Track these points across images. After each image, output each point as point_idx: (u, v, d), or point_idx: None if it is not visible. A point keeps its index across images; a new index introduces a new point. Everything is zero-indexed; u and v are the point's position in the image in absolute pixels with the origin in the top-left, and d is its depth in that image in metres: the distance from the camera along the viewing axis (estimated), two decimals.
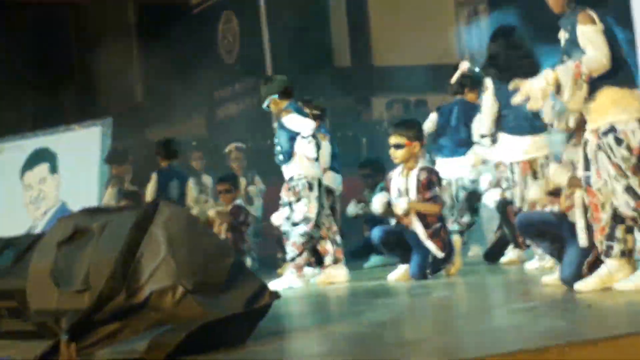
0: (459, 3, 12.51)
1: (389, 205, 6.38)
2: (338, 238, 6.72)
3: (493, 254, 6.93)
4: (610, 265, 4.37)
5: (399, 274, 6.37)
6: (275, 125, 6.79)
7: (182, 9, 13.66)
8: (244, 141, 10.29)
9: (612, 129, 4.30)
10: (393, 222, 6.48)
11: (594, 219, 4.41)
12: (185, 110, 13.14)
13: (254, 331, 3.67)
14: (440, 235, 6.30)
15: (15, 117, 11.21)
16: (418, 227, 6.28)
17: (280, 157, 6.65)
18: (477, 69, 6.94)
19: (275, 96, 6.63)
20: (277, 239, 8.66)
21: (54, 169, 9.52)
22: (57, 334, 3.47)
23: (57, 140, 9.75)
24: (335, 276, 6.59)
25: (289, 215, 6.56)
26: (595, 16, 4.32)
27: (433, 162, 7.35)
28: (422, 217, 6.30)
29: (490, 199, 7.04)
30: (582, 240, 4.57)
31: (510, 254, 6.71)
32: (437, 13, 11.61)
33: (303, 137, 6.53)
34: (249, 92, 12.58)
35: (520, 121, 6.15)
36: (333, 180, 7.66)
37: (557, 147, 6.12)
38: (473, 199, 7.46)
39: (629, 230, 4.37)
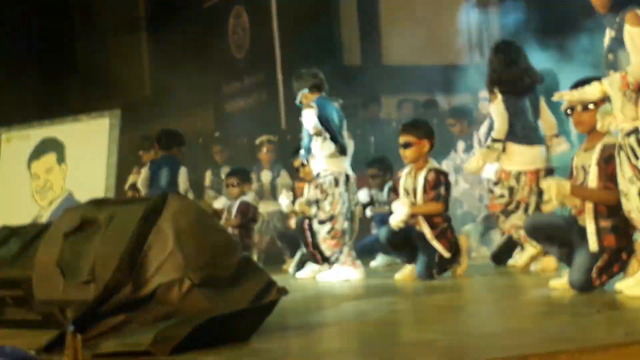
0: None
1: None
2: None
3: (500, 256, 6.90)
4: None
5: (404, 273, 6.36)
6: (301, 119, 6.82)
7: (193, 2, 13.64)
8: (252, 136, 10.28)
9: (636, 131, 4.23)
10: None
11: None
12: (194, 103, 13.13)
13: (259, 327, 3.65)
14: (446, 235, 6.28)
15: (21, 107, 11.21)
16: (425, 227, 6.26)
17: (302, 152, 6.74)
18: None
19: (306, 90, 6.63)
20: (280, 234, 8.64)
21: (61, 159, 9.49)
22: (62, 325, 3.46)
23: (64, 131, 9.72)
24: (348, 275, 6.60)
25: (316, 213, 6.63)
26: None
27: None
28: (429, 217, 6.27)
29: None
30: (592, 244, 4.53)
31: (517, 256, 6.69)
32: (448, 11, 11.55)
33: (313, 135, 6.55)
34: (257, 87, 12.57)
35: (527, 131, 6.27)
36: None
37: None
38: None
39: None
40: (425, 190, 6.27)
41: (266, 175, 9.35)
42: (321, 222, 6.63)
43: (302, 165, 7.32)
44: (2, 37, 12.91)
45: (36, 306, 3.75)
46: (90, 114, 9.93)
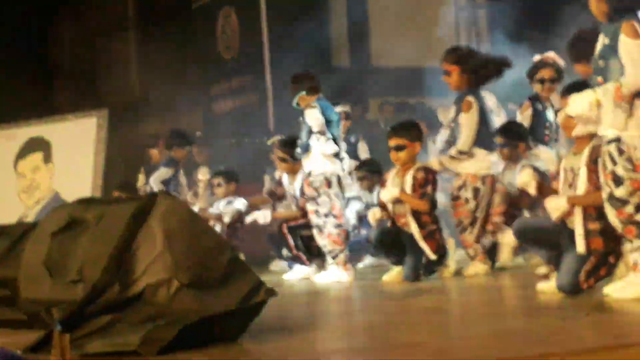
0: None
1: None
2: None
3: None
4: None
5: (392, 275, 6.36)
6: (300, 119, 6.86)
7: (182, 3, 13.62)
8: (240, 137, 10.26)
9: (618, 140, 4.24)
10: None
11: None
12: (182, 104, 13.10)
13: (248, 328, 3.64)
14: (434, 237, 6.28)
15: (9, 107, 11.16)
16: (413, 227, 6.26)
17: (299, 149, 6.81)
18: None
19: (303, 93, 6.70)
20: (269, 236, 8.63)
21: (48, 158, 9.45)
22: (48, 324, 3.43)
23: (51, 130, 9.69)
24: (340, 277, 6.62)
25: (317, 209, 6.67)
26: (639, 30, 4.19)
27: None
28: (417, 217, 6.28)
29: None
30: (580, 247, 4.54)
31: (470, 267, 6.66)
32: (436, 14, 11.57)
33: (315, 133, 6.59)
34: (246, 88, 12.55)
35: (491, 137, 6.55)
36: None
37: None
38: None
39: None
40: (413, 188, 6.28)
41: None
42: (326, 216, 6.66)
43: (283, 160, 7.52)
44: None
45: (22, 306, 3.72)
46: (77, 114, 9.89)
